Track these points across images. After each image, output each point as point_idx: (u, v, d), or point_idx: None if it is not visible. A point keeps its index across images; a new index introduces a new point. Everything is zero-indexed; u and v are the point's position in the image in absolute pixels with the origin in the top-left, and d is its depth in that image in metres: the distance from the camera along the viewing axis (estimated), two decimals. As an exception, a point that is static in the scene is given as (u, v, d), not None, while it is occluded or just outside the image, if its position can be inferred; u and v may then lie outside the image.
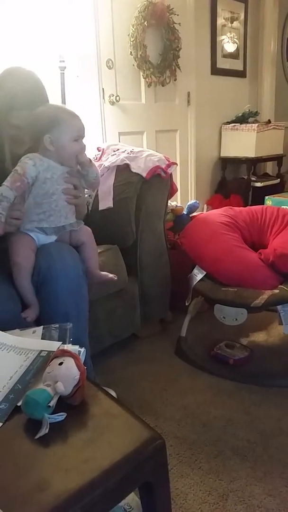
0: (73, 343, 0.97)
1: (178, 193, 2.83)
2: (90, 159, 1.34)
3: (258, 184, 3.64)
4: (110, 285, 1.66)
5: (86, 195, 2.00)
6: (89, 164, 1.33)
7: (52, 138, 1.23)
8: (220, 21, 3.50)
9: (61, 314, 1.21)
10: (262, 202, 2.82)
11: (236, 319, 1.77)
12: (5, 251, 1.30)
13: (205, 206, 3.56)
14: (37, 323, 1.21)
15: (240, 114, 3.66)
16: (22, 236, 1.28)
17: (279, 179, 3.83)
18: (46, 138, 1.23)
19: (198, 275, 1.90)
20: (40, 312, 1.26)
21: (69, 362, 0.82)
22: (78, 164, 1.31)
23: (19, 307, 1.24)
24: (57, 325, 1.05)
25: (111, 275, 1.44)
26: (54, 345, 0.96)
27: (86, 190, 1.99)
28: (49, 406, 0.77)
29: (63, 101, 2.31)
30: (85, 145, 1.32)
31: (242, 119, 3.64)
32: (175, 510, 1.19)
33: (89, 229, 1.40)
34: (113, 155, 2.00)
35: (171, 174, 1.96)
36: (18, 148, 1.36)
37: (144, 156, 1.91)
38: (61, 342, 0.98)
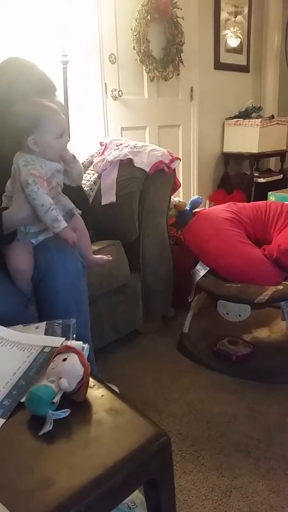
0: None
1: (181, 188, 2.81)
2: (73, 155, 1.30)
3: (261, 180, 3.62)
4: (114, 278, 1.65)
5: (87, 188, 1.99)
6: (73, 160, 1.29)
7: (36, 139, 1.18)
8: (223, 15, 3.48)
9: (61, 310, 1.21)
10: (265, 198, 2.80)
11: (240, 315, 1.76)
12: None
13: (208, 202, 3.55)
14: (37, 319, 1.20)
15: (243, 109, 3.64)
16: (21, 248, 1.26)
17: (282, 175, 3.81)
18: (30, 140, 1.18)
19: (201, 270, 1.89)
20: (40, 309, 1.26)
21: (73, 358, 0.82)
22: (62, 161, 1.27)
23: (22, 302, 1.24)
24: (60, 321, 1.04)
25: (105, 257, 1.47)
26: (57, 341, 0.95)
27: (86, 187, 1.99)
28: (53, 402, 0.76)
29: (65, 96, 2.30)
30: (68, 139, 1.28)
31: (245, 114, 3.61)
32: (178, 507, 1.18)
33: (79, 216, 1.39)
34: (116, 149, 1.98)
35: (174, 170, 1.95)
36: None
37: (148, 151, 1.89)
38: (64, 338, 0.97)
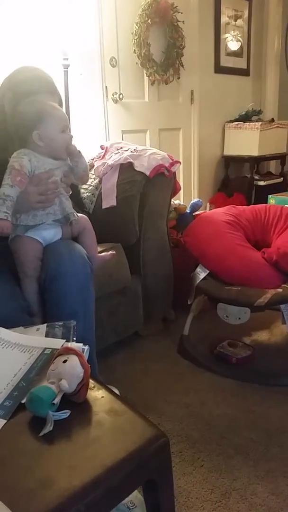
0: (79, 341, 0.97)
1: (181, 191, 2.83)
2: (79, 150, 1.32)
3: (261, 183, 3.63)
4: (114, 280, 1.66)
5: (89, 194, 2.00)
6: (78, 154, 1.31)
7: (41, 133, 1.22)
8: (224, 19, 3.50)
9: (68, 313, 1.21)
10: (265, 201, 2.82)
11: (239, 318, 1.76)
12: (7, 249, 1.30)
13: (208, 204, 3.56)
14: (43, 321, 1.21)
15: (243, 113, 3.66)
16: (29, 243, 1.27)
17: (282, 178, 3.83)
18: (35, 135, 1.22)
19: (201, 273, 1.90)
20: (47, 311, 1.26)
21: (73, 360, 0.82)
22: (68, 156, 1.30)
23: (23, 304, 1.24)
24: (60, 323, 1.05)
25: (109, 253, 1.50)
26: (58, 343, 0.96)
27: (87, 192, 2.00)
28: (53, 403, 0.77)
29: (67, 99, 2.31)
30: (72, 135, 1.31)
31: (245, 118, 3.63)
32: (178, 508, 1.19)
33: (86, 216, 1.41)
34: (117, 153, 1.99)
35: (174, 173, 1.96)
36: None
37: (148, 154, 1.90)
38: (65, 340, 0.98)
